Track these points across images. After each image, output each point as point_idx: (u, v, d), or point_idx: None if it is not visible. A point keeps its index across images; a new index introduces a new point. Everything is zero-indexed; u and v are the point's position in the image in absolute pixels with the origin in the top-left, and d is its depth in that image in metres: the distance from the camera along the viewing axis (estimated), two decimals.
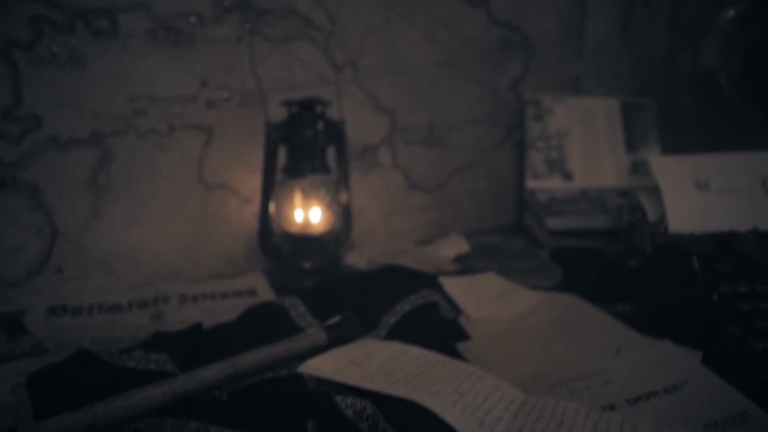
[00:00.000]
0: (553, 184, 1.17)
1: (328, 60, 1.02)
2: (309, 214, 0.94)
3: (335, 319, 0.75)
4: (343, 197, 0.98)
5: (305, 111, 0.90)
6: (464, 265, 1.00)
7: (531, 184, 1.17)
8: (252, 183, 0.98)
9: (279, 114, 0.93)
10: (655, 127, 1.21)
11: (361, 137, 1.07)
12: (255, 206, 0.97)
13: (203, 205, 0.97)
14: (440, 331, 0.77)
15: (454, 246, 1.05)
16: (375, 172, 1.10)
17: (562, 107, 1.20)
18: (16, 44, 0.82)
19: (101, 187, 0.90)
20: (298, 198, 0.93)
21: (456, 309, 0.84)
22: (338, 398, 0.61)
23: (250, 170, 0.98)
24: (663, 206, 0.85)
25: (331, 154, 0.96)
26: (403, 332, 0.75)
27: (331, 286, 0.88)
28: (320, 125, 0.90)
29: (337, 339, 0.73)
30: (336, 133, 0.94)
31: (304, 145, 0.90)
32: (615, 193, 1.12)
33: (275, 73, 0.98)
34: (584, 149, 1.19)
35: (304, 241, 0.95)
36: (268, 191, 0.92)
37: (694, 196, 0.85)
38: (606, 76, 1.34)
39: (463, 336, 0.78)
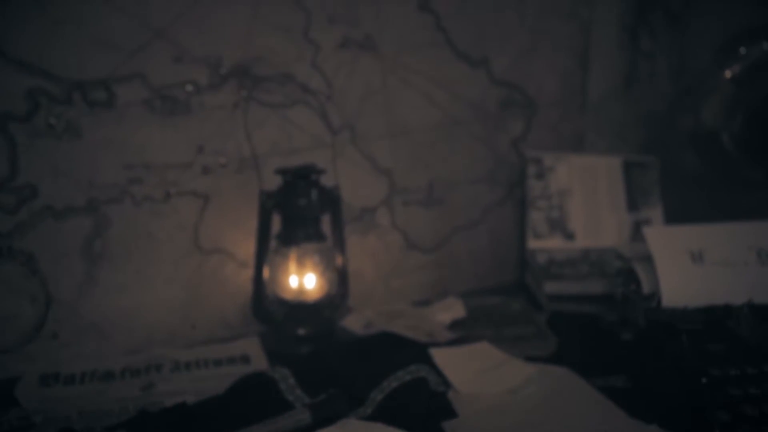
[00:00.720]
0: (554, 243, 1.16)
1: (325, 124, 1.03)
2: (304, 281, 0.94)
3: (321, 397, 0.75)
4: (339, 261, 0.98)
5: (299, 180, 0.91)
6: (459, 331, 0.99)
7: (532, 243, 1.16)
8: (248, 247, 0.98)
9: (276, 179, 0.94)
10: (658, 186, 1.20)
11: (358, 199, 1.08)
12: (251, 270, 0.98)
13: (199, 270, 0.98)
14: (427, 408, 0.76)
15: (451, 310, 1.05)
16: (373, 234, 1.10)
17: (564, 165, 1.20)
18: (14, 117, 0.84)
19: (97, 253, 0.91)
20: (292, 265, 0.93)
21: (446, 382, 0.83)
22: None
23: (246, 234, 0.98)
24: (656, 278, 0.84)
25: (326, 218, 0.97)
26: (389, 410, 0.75)
27: (323, 356, 0.88)
28: (314, 194, 0.91)
29: (322, 418, 0.73)
30: (331, 199, 0.95)
31: (298, 213, 0.91)
32: (615, 254, 1.11)
33: (272, 138, 0.99)
34: (586, 208, 1.19)
35: (299, 308, 0.95)
36: (261, 258, 0.93)
37: (689, 268, 0.84)
38: (609, 132, 1.34)
39: (451, 413, 0.77)
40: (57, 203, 0.88)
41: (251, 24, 0.95)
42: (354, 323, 1.03)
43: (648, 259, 0.88)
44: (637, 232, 1.17)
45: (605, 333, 0.92)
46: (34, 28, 0.83)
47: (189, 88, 0.93)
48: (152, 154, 0.92)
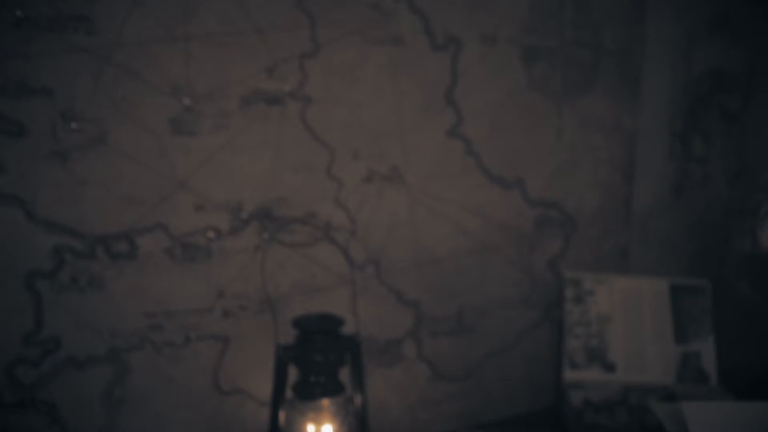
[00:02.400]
0: (593, 375, 1.11)
1: (348, 260, 1.02)
2: (321, 431, 0.93)
3: None
4: (358, 402, 0.96)
5: (317, 334, 0.90)
6: None
7: (569, 375, 1.11)
8: (268, 386, 0.97)
9: (298, 313, 0.93)
10: (709, 314, 1.13)
11: (383, 332, 1.06)
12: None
13: (219, 411, 0.98)
14: None
15: None
16: (399, 366, 1.08)
17: (605, 289, 1.15)
18: (40, 274, 0.87)
19: (117, 399, 0.93)
20: (309, 417, 0.92)
21: None
22: None
23: (266, 374, 0.97)
24: None
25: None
26: None
27: None
28: (333, 348, 0.90)
29: None
30: (351, 347, 0.93)
31: (315, 369, 0.90)
32: (660, 393, 1.05)
33: (294, 277, 0.99)
34: (628, 337, 1.13)
35: None
36: (276, 410, 0.92)
37: None
38: (656, 244, 1.28)
39: None
40: (79, 353, 0.90)
41: (272, 166, 0.96)
42: None
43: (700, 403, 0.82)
44: (685, 367, 1.11)
45: None
46: (61, 190, 0.86)
47: (210, 234, 0.94)
48: (173, 301, 0.93)
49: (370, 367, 1.02)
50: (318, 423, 0.93)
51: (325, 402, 0.91)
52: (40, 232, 0.86)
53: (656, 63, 1.24)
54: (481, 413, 1.13)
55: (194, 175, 0.92)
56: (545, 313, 1.18)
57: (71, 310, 0.89)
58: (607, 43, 1.18)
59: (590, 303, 1.14)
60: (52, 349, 0.89)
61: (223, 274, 0.95)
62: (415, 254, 1.07)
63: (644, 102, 1.24)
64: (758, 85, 1.32)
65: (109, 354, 0.92)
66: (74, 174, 0.86)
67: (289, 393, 0.93)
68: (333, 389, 0.91)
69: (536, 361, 1.17)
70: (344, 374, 0.92)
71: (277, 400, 0.92)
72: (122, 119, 0.88)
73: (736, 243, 1.20)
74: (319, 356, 0.89)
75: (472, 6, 1.05)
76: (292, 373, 0.92)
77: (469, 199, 1.09)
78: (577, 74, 1.16)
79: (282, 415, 0.94)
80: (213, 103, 0.92)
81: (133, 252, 0.91)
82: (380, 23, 0.99)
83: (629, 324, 1.13)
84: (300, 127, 0.97)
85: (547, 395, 1.18)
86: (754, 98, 1.32)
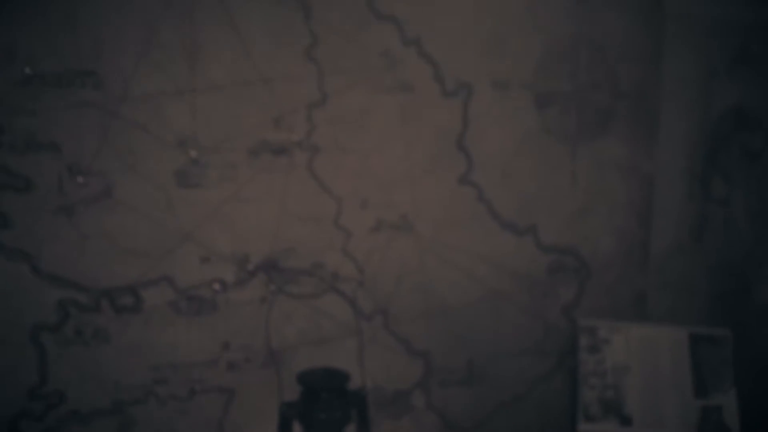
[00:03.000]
0: (608, 428, 1.08)
1: (356, 310, 1.01)
2: None
3: None
4: None
5: (322, 391, 0.88)
6: None
7: (583, 427, 1.08)
8: None
9: (304, 365, 0.92)
10: (730, 366, 1.09)
11: (391, 382, 1.04)
12: None
13: None
14: None
15: None
16: (407, 417, 1.06)
17: (621, 337, 1.12)
18: (45, 327, 0.87)
19: None
20: None
21: None
22: None
23: (272, 428, 0.97)
24: None
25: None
26: None
27: None
28: (337, 406, 0.88)
29: None
30: (357, 402, 0.92)
31: (319, 427, 0.88)
32: None
33: (300, 329, 0.98)
34: (645, 389, 1.10)
35: None
36: None
37: None
38: (675, 288, 1.24)
39: None
40: (83, 407, 0.90)
41: (279, 218, 0.95)
42: None
43: None
44: (705, 422, 1.07)
45: None
46: (66, 244, 0.86)
47: (216, 286, 0.94)
48: (178, 354, 0.93)
49: (377, 418, 1.00)
50: None
51: None
52: (45, 285, 0.86)
53: (674, 103, 1.21)
54: None
55: (200, 228, 0.92)
56: (559, 362, 1.15)
57: (76, 363, 0.89)
58: (623, 85, 1.16)
59: (606, 352, 1.11)
60: (57, 403, 0.89)
61: (228, 326, 0.95)
62: (424, 303, 1.05)
63: (661, 143, 1.21)
64: None
65: (113, 407, 0.91)
66: (80, 227, 0.87)
67: None
68: None
69: (549, 412, 1.14)
70: (351, 429, 0.90)
71: None
72: (128, 172, 0.88)
73: (759, 290, 1.16)
74: (323, 414, 0.88)
75: (483, 51, 1.04)
76: (298, 429, 0.91)
77: (480, 247, 1.07)
78: (591, 117, 1.14)
79: None
80: (219, 155, 0.91)
81: (137, 305, 0.90)
82: (389, 71, 0.98)
83: (646, 375, 1.10)
84: (307, 177, 0.96)
85: None
86: None
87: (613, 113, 1.16)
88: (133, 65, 0.86)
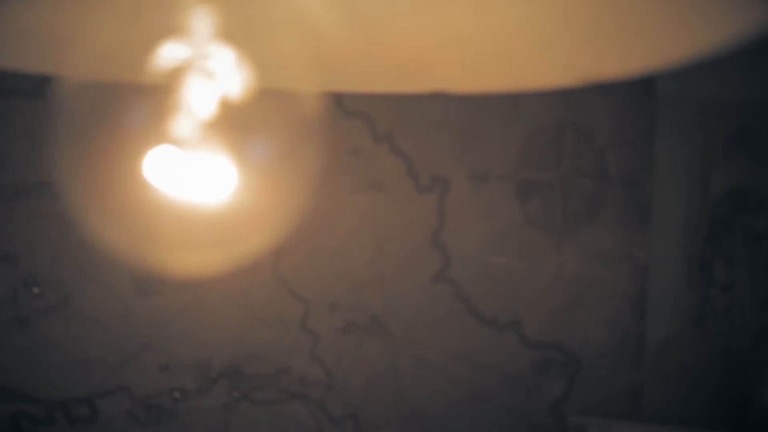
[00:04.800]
0: None
1: (325, 415, 0.98)
2: None
3: None
4: None
5: None
6: None
7: None
8: None
9: None
10: None
11: None
12: None
13: None
14: None
15: None
16: None
17: None
18: None
19: None
20: None
21: None
22: None
23: None
24: None
25: None
26: None
27: None
28: None
29: None
30: None
31: None
32: None
33: None
34: None
35: None
36: None
37: None
38: (674, 382, 1.19)
39: None
40: None
41: (243, 323, 0.93)
42: None
43: None
44: None
45: None
46: (20, 356, 0.85)
47: (176, 394, 0.92)
48: None
49: None
50: None
51: None
52: None
53: (668, 187, 1.17)
54: None
55: (159, 335, 0.90)
56: None
57: None
58: (612, 171, 1.12)
59: None
60: None
61: None
62: (398, 407, 1.01)
63: (656, 229, 1.17)
64: None
65: None
66: (34, 338, 0.86)
67: None
68: None
69: None
70: None
71: None
72: (86, 282, 0.87)
73: (761, 397, 1.10)
74: None
75: (460, 144, 1.01)
76: None
77: (457, 346, 1.03)
78: (578, 205, 1.10)
79: None
80: None
81: (93, 416, 0.89)
82: (359, 169, 0.96)
83: None
84: (272, 280, 0.94)
85: None
86: None
87: (601, 200, 1.12)
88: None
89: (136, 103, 0.49)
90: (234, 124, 0.46)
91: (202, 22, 0.46)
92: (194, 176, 0.48)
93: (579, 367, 1.12)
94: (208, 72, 0.46)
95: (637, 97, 1.13)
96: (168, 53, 0.45)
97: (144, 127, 0.48)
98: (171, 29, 0.44)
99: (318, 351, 0.97)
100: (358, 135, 0.96)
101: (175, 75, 0.44)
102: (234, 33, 0.48)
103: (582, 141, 1.10)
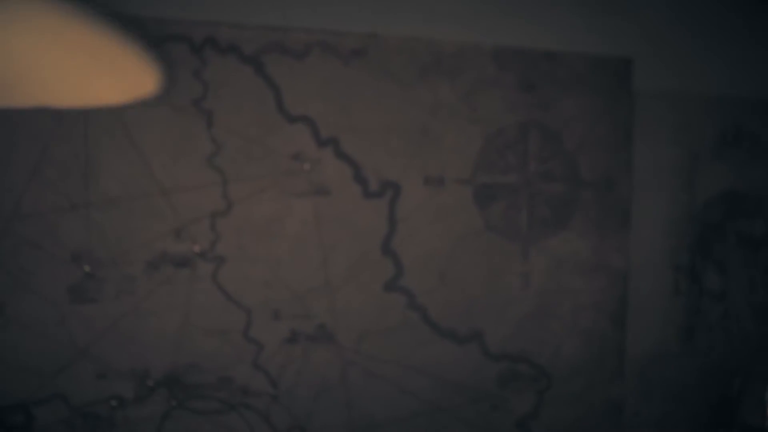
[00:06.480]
0: None
1: (270, 427, 0.95)
2: None
3: None
4: None
5: None
6: None
7: None
8: None
9: None
10: None
11: None
12: None
13: None
14: None
15: None
16: None
17: None
18: None
19: None
20: None
21: None
22: None
23: None
24: None
25: None
26: None
27: None
28: None
29: None
30: None
31: None
32: None
33: None
34: None
35: None
36: None
37: None
38: (660, 397, 1.12)
39: None
40: None
41: (182, 331, 0.92)
42: None
43: None
44: None
45: None
46: None
47: (113, 403, 0.91)
48: None
49: None
50: None
51: None
52: None
53: (649, 191, 1.10)
54: None
55: (96, 343, 0.90)
56: None
57: None
58: (584, 174, 1.07)
59: None
60: None
61: None
62: (348, 420, 0.98)
63: (636, 236, 1.10)
64: None
65: None
66: None
67: None
68: None
69: None
70: None
71: None
72: (20, 290, 0.87)
73: (747, 412, 1.02)
74: None
75: (411, 147, 0.98)
76: None
77: (412, 357, 1.00)
78: (546, 211, 1.05)
79: None
80: (116, 269, 0.89)
81: (28, 424, 0.89)
82: (302, 174, 0.94)
83: None
84: (212, 288, 0.92)
85: None
86: None
87: (572, 205, 1.06)
88: (25, 183, 0.86)
89: None
90: None
91: None
92: None
93: (549, 381, 1.06)
94: None
95: (612, 94, 1.07)
96: None
97: None
98: None
99: (261, 361, 0.95)
100: (301, 140, 0.94)
101: None
102: None
103: (548, 142, 1.05)
